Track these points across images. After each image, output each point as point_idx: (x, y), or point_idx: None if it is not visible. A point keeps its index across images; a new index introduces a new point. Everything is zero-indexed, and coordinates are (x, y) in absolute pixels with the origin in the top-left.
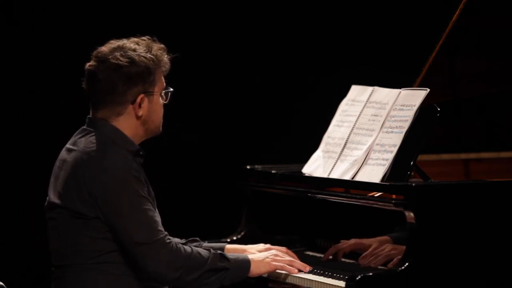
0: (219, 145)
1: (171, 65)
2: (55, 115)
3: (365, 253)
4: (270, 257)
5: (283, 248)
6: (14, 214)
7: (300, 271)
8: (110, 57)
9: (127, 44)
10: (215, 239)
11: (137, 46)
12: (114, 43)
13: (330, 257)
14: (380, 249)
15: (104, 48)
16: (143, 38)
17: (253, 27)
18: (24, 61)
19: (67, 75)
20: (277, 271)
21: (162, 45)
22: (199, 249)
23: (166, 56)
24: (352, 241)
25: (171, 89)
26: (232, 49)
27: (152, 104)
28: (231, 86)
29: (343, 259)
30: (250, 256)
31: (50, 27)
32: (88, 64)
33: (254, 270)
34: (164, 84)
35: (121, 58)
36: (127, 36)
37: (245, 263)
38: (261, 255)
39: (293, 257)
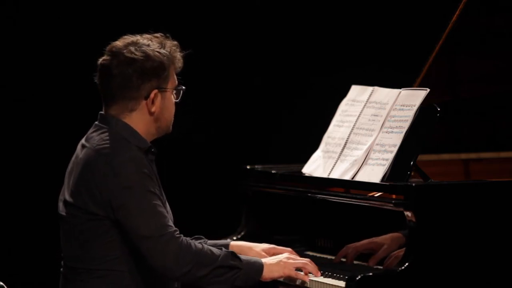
0: (219, 145)
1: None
2: (64, 113)
3: (378, 253)
4: (284, 260)
5: (288, 249)
6: (14, 214)
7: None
8: (124, 51)
9: (141, 40)
10: (215, 239)
11: (151, 42)
12: (128, 39)
13: (343, 259)
14: (399, 250)
15: (118, 43)
16: (156, 35)
17: (252, 27)
18: (33, 59)
19: (76, 73)
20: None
21: (175, 42)
22: (211, 247)
23: (179, 53)
24: (365, 241)
25: (183, 87)
26: (231, 49)
27: (165, 100)
28: (231, 87)
29: (342, 259)
30: (264, 260)
31: (58, 24)
32: (101, 58)
33: (267, 273)
34: (176, 81)
35: (136, 53)
36: (129, 32)
37: (258, 266)
38: (274, 258)
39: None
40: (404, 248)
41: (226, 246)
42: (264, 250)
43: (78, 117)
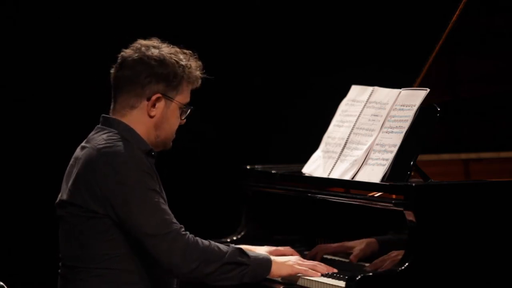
0: (219, 145)
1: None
2: (64, 113)
3: (379, 259)
4: (293, 260)
5: (288, 248)
6: (14, 214)
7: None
8: (143, 49)
9: (166, 47)
10: (216, 239)
11: (174, 52)
12: (155, 41)
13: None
14: (386, 255)
15: (144, 41)
16: (185, 50)
17: (252, 27)
18: (33, 59)
19: (77, 74)
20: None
21: (200, 63)
22: (218, 244)
23: (199, 72)
24: (336, 244)
25: (192, 107)
26: (231, 49)
27: (168, 110)
28: (231, 87)
29: (342, 259)
30: (272, 257)
31: (58, 24)
32: (123, 50)
33: (275, 271)
34: (188, 99)
35: (154, 54)
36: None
37: (266, 262)
38: (283, 258)
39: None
40: (397, 253)
41: None
42: (267, 252)
43: (79, 117)
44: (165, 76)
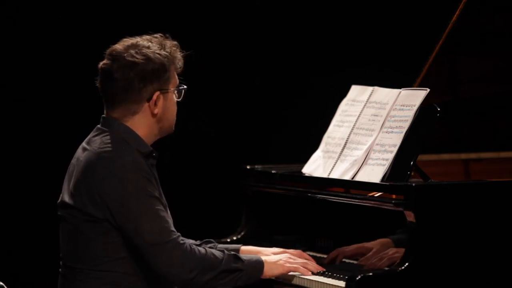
0: (219, 145)
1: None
2: (64, 113)
3: (368, 255)
4: (284, 259)
5: (297, 251)
6: (14, 214)
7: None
8: (125, 55)
9: (141, 42)
10: (216, 239)
11: (151, 44)
12: (127, 41)
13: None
14: (383, 252)
15: (118, 46)
16: (155, 35)
17: (252, 27)
18: (33, 59)
19: (76, 74)
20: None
21: (175, 42)
22: (213, 250)
23: (179, 53)
24: (354, 246)
25: (185, 86)
26: (231, 49)
27: (167, 101)
28: (231, 87)
29: (343, 259)
30: (264, 258)
31: (58, 24)
32: (102, 62)
33: (268, 271)
34: (177, 81)
35: (137, 56)
36: (131, 34)
37: (259, 264)
38: (274, 257)
39: (307, 259)
40: (396, 250)
41: (237, 250)
42: (274, 254)
43: (78, 117)
44: (156, 73)
